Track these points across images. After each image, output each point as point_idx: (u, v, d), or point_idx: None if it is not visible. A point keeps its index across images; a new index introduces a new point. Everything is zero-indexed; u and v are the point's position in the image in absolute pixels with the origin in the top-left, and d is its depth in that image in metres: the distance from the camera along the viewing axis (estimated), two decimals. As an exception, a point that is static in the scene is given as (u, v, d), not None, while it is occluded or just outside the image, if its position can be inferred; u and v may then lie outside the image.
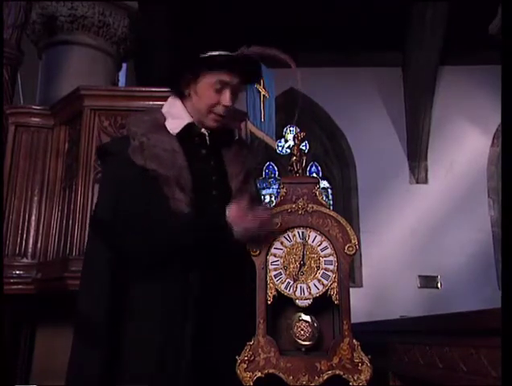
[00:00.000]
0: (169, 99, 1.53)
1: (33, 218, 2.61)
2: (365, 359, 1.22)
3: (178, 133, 1.45)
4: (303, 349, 1.24)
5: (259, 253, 1.28)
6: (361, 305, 5.12)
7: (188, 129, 1.47)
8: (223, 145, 1.53)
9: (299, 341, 1.23)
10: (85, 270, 1.45)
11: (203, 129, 1.49)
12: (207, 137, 1.49)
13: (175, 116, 1.48)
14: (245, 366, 1.21)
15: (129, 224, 1.37)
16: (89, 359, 1.33)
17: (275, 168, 7.79)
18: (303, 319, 1.25)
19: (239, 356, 1.23)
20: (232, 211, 1.32)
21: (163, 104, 1.55)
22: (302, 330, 1.23)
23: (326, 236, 1.30)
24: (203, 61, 1.40)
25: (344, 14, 6.21)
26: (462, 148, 7.21)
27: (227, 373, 1.27)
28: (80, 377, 1.34)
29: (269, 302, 1.25)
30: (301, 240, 1.30)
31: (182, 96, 1.50)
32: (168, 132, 1.45)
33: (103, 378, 1.31)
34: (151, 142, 1.41)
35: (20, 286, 2.51)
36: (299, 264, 1.28)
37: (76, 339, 1.38)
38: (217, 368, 1.33)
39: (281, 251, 1.29)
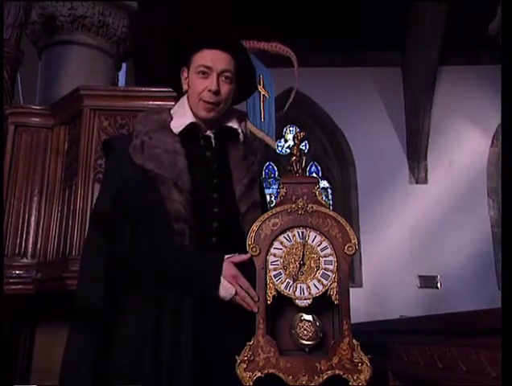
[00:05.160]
0: (180, 99, 1.55)
1: (33, 218, 2.61)
2: (365, 359, 1.22)
3: (182, 134, 1.46)
4: (307, 349, 1.23)
5: (259, 253, 1.28)
6: (361, 305, 5.14)
7: (193, 131, 1.48)
8: (229, 147, 1.53)
9: (303, 341, 1.22)
10: (83, 259, 1.46)
11: (208, 132, 1.50)
12: (212, 140, 1.50)
13: (180, 114, 1.49)
14: (245, 366, 1.21)
15: (123, 223, 1.37)
16: (83, 346, 1.33)
17: (275, 168, 7.80)
18: (305, 319, 1.24)
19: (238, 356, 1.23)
20: (228, 270, 1.32)
21: (165, 104, 1.56)
22: (305, 330, 1.23)
23: (326, 236, 1.29)
24: (184, 46, 1.46)
25: (344, 14, 6.21)
26: (462, 148, 7.21)
27: (225, 370, 1.27)
28: (73, 365, 1.33)
29: (268, 302, 1.25)
30: (301, 240, 1.29)
31: (186, 94, 1.51)
32: (173, 133, 1.46)
33: (95, 366, 1.31)
34: (153, 142, 1.42)
35: (20, 286, 2.51)
36: (299, 264, 1.28)
37: (72, 326, 1.38)
38: (215, 366, 1.32)
39: (281, 251, 1.29)
